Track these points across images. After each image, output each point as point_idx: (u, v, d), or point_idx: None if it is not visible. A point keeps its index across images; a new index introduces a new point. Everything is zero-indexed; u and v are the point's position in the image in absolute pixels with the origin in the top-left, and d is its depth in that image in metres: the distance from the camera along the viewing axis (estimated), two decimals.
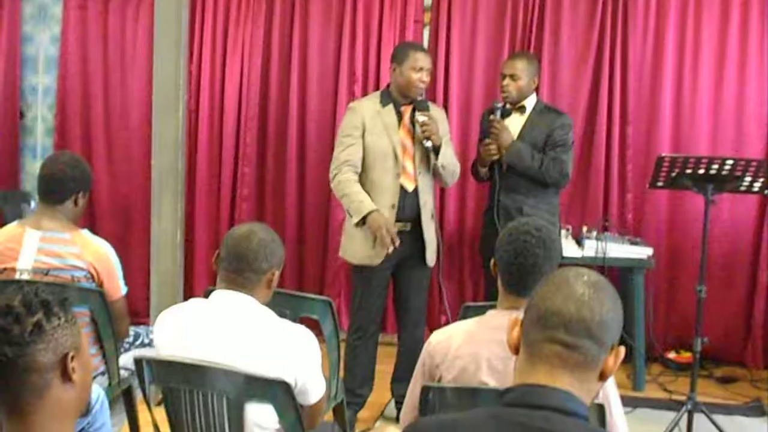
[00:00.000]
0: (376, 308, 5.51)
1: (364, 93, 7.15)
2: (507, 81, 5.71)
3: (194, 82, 7.30)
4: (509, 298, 3.26)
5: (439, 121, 5.43)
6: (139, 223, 7.21)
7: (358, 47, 7.21)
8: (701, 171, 5.19)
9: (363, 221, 5.23)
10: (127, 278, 4.62)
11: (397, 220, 5.33)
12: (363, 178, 5.37)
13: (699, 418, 5.36)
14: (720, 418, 5.47)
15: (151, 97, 5.70)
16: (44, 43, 7.64)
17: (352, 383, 5.45)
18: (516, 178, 5.68)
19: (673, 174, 5.27)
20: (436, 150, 5.31)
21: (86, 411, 3.82)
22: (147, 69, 6.86)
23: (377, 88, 7.08)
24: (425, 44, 7.13)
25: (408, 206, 5.36)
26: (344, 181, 5.33)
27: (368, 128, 5.35)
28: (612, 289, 2.17)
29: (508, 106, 5.76)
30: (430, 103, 5.50)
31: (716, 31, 6.89)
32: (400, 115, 5.39)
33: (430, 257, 5.49)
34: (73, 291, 4.13)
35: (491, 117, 5.69)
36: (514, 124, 5.74)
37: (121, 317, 4.48)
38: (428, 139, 5.26)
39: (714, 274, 6.75)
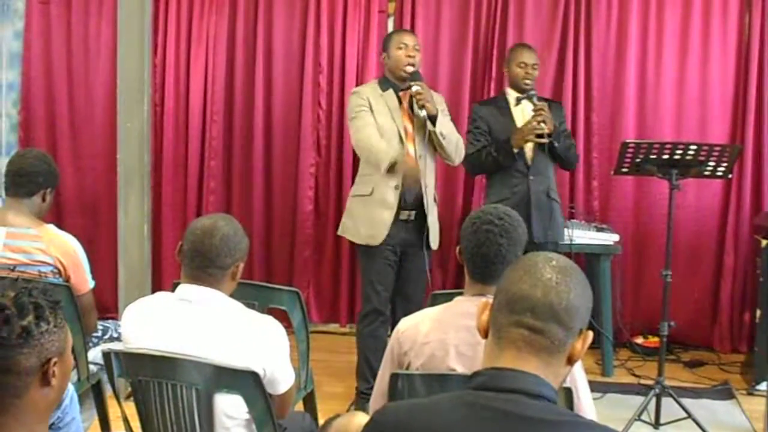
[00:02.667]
0: (381, 291, 5.53)
1: (330, 83, 7.19)
2: (530, 69, 5.81)
3: (159, 75, 7.26)
4: (475, 285, 3.27)
5: (438, 102, 5.50)
6: (106, 218, 7.16)
7: (323, 38, 7.21)
8: (665, 156, 5.23)
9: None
10: (95, 273, 4.61)
11: (401, 208, 5.41)
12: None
13: (667, 402, 5.41)
14: (688, 402, 5.50)
15: (116, 91, 5.67)
16: (7, 39, 7.57)
17: (370, 372, 5.35)
18: (544, 163, 5.77)
19: (638, 160, 5.31)
20: (432, 119, 5.33)
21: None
22: (111, 63, 6.82)
23: (342, 78, 7.14)
24: None
25: (410, 192, 5.44)
26: (376, 142, 5.37)
27: (375, 108, 5.42)
28: (581, 274, 2.16)
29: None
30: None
31: (679, 18, 6.95)
32: (400, 100, 5.48)
33: (434, 240, 5.56)
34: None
35: (536, 103, 5.66)
36: (528, 110, 5.77)
37: (89, 311, 4.47)
38: (422, 108, 5.31)
39: (680, 258, 6.80)
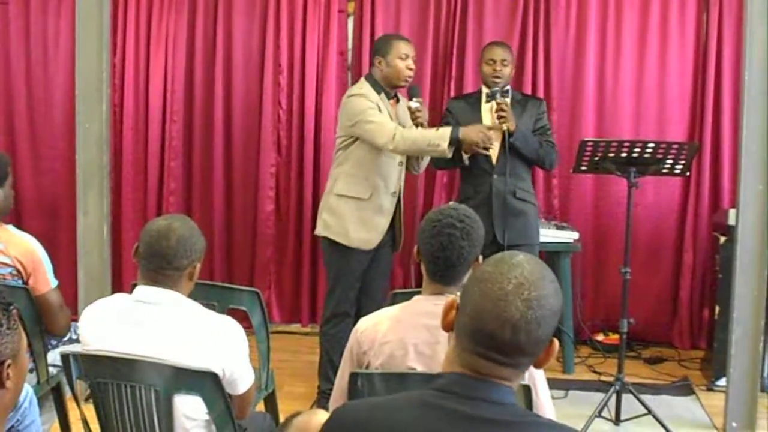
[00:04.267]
0: (353, 291, 5.54)
1: (290, 83, 7.19)
2: (499, 66, 5.77)
3: (118, 75, 7.23)
4: (435, 285, 3.27)
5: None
6: (66, 220, 7.11)
7: (283, 37, 7.21)
8: (624, 155, 5.26)
9: (455, 143, 5.29)
10: (56, 275, 4.57)
11: None
12: (363, 155, 5.42)
13: (627, 398, 5.43)
14: (648, 398, 5.53)
15: (75, 91, 5.64)
16: None
17: (333, 372, 5.20)
18: (512, 162, 5.68)
19: (596, 158, 5.34)
20: None
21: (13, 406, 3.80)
22: (70, 64, 6.77)
23: (303, 77, 7.15)
24: (349, 34, 7.19)
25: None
26: (404, 132, 5.29)
27: (381, 111, 5.41)
28: (551, 288, 2.03)
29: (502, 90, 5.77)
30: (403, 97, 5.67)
31: (637, 17, 7.00)
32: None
33: (399, 242, 5.64)
34: None
35: (499, 100, 5.63)
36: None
37: (57, 310, 4.44)
38: (420, 125, 5.35)
39: (640, 256, 6.84)
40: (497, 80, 5.74)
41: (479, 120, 5.73)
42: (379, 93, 5.45)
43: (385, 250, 5.58)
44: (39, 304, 4.34)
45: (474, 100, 5.91)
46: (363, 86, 5.50)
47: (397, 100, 5.57)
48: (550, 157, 5.81)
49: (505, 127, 5.46)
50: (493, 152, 5.62)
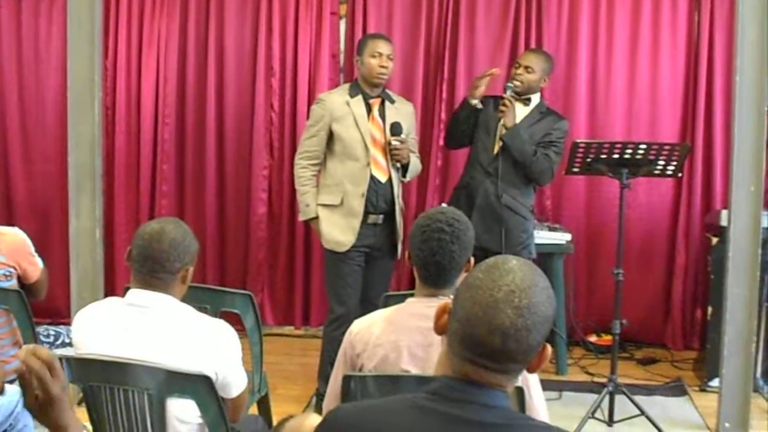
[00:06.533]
0: (351, 295, 5.56)
1: (282, 86, 7.19)
2: (521, 70, 5.80)
3: (110, 78, 7.23)
4: (427, 288, 3.27)
5: (408, 115, 5.68)
6: (58, 222, 7.09)
7: (275, 40, 7.21)
8: (616, 156, 5.28)
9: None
10: (48, 277, 4.60)
11: (371, 213, 5.49)
12: (335, 165, 5.54)
13: (620, 399, 5.44)
14: (641, 399, 5.55)
15: (67, 94, 5.63)
16: None
17: None
18: (506, 165, 5.71)
19: (588, 159, 5.35)
20: (405, 168, 5.54)
21: None
22: (62, 66, 6.75)
23: (295, 80, 7.15)
24: (341, 36, 7.20)
25: (382, 197, 5.52)
26: (301, 176, 5.60)
27: (338, 118, 5.49)
28: (545, 294, 2.03)
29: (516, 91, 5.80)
30: (398, 96, 5.80)
31: (629, 18, 7.01)
32: (369, 107, 5.53)
33: (401, 249, 5.64)
34: None
35: (504, 95, 5.71)
36: (517, 113, 5.80)
37: (45, 287, 4.50)
38: (398, 162, 5.47)
39: (632, 257, 6.86)
40: (516, 84, 5.76)
41: (495, 116, 5.77)
42: (354, 95, 5.53)
43: (380, 254, 5.63)
44: (34, 288, 4.39)
45: (498, 99, 5.88)
46: (335, 90, 5.75)
47: (391, 101, 5.61)
48: (538, 168, 5.70)
49: (398, 166, 5.52)
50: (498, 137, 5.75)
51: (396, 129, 5.48)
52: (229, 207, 7.41)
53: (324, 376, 5.56)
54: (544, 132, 5.77)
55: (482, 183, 5.76)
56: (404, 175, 5.57)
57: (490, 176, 5.72)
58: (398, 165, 5.51)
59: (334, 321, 5.56)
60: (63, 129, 6.14)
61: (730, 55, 6.20)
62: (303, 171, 5.57)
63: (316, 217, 5.53)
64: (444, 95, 7.04)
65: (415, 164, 5.67)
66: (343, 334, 5.35)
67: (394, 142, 5.43)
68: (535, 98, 5.90)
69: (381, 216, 5.53)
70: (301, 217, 5.71)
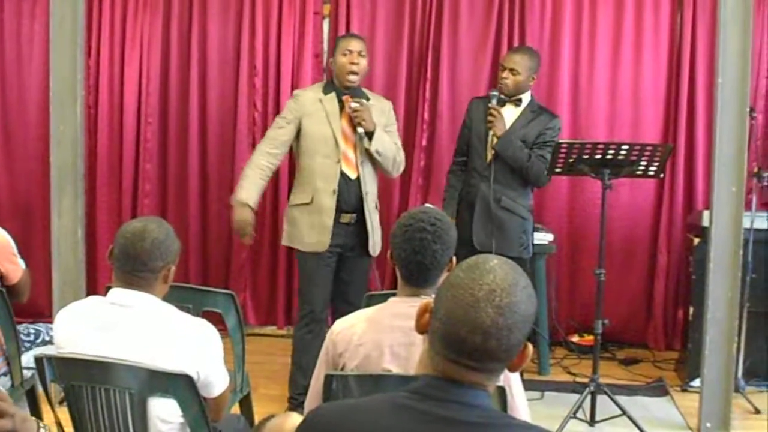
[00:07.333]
0: (323, 297, 5.54)
1: (265, 85, 7.19)
2: (506, 74, 5.81)
3: (92, 77, 7.22)
4: (409, 288, 3.27)
5: (383, 111, 5.64)
6: (40, 222, 7.10)
7: (258, 39, 7.20)
8: (598, 156, 5.28)
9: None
10: (30, 279, 4.58)
11: (342, 211, 5.46)
12: (306, 162, 5.53)
13: (602, 399, 5.45)
14: (623, 399, 5.56)
15: (49, 93, 5.61)
16: None
17: (303, 378, 5.21)
18: (501, 169, 5.74)
19: (571, 160, 5.35)
20: (369, 135, 5.43)
21: None
22: (45, 65, 6.73)
23: (278, 80, 7.15)
24: (325, 36, 7.20)
25: (351, 194, 5.49)
26: (251, 160, 5.61)
27: (309, 114, 5.50)
28: (525, 293, 2.02)
29: (502, 96, 5.82)
30: (374, 94, 5.78)
31: (611, 19, 7.04)
32: (342, 104, 5.52)
33: (373, 247, 5.59)
34: None
35: (489, 104, 5.73)
36: (508, 115, 5.82)
37: (27, 289, 4.48)
38: (359, 125, 5.40)
39: (614, 257, 6.89)
40: (502, 86, 5.82)
41: (485, 121, 5.79)
42: (328, 92, 5.55)
43: (354, 254, 5.60)
44: (15, 290, 4.37)
45: (487, 100, 5.90)
46: (311, 87, 5.81)
47: (366, 99, 5.59)
48: (534, 172, 5.73)
49: (360, 130, 5.45)
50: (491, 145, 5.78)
51: (355, 92, 5.51)
52: (211, 206, 7.40)
53: (290, 378, 5.57)
54: (537, 132, 5.79)
55: (480, 188, 5.79)
56: (370, 142, 5.44)
57: (486, 181, 5.74)
58: (361, 130, 5.42)
59: (301, 320, 5.57)
60: (45, 128, 6.15)
61: (712, 56, 6.22)
62: (256, 156, 5.58)
63: (247, 206, 5.49)
64: (427, 95, 7.06)
65: (387, 141, 5.56)
66: (311, 333, 5.45)
67: (353, 104, 5.41)
68: (526, 97, 5.92)
69: (354, 215, 5.51)
70: (236, 192, 5.62)
